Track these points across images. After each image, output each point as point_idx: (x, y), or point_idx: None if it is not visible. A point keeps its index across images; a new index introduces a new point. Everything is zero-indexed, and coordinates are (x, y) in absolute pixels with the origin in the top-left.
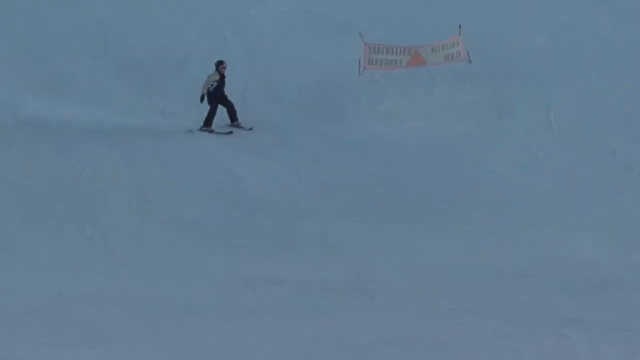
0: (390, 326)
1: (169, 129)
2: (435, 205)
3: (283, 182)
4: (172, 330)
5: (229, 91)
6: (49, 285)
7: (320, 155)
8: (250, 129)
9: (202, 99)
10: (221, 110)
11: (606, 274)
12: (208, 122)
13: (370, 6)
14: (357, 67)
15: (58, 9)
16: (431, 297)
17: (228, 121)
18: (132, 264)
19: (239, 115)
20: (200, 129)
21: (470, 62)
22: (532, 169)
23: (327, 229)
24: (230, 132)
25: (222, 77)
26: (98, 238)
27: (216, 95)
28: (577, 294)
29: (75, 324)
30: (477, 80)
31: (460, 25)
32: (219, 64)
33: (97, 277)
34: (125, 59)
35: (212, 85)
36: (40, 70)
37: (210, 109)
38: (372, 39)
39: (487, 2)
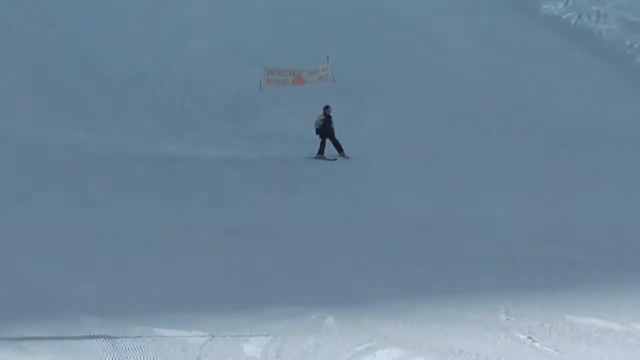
0: (273, 257)
1: (133, 132)
2: (309, 177)
3: (210, 163)
4: (129, 260)
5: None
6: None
7: (235, 145)
8: (348, 158)
9: (316, 132)
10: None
11: (423, 220)
12: (320, 151)
13: (271, 40)
14: (259, 84)
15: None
16: (302, 237)
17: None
18: (104, 213)
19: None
20: (315, 157)
21: (334, 81)
22: (378, 154)
23: (236, 191)
24: (335, 159)
25: (327, 117)
26: (81, 199)
27: (322, 131)
28: (405, 235)
29: (62, 253)
30: (340, 94)
31: (327, 57)
32: (326, 108)
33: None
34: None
35: (319, 123)
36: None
37: (321, 141)
38: (271, 63)
39: (348, 38)
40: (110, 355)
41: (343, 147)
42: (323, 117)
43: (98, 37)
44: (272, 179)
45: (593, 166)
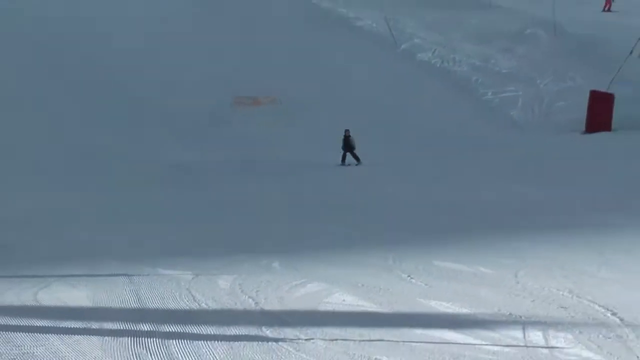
0: (238, 222)
1: (144, 137)
2: (266, 171)
3: (197, 158)
4: (141, 223)
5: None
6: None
7: (214, 145)
8: (360, 164)
9: (341, 148)
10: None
11: (345, 197)
12: (342, 160)
13: (238, 74)
14: (230, 103)
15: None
16: (259, 209)
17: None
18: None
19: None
20: (340, 165)
21: (281, 103)
22: (301, 147)
23: (216, 179)
24: (350, 165)
25: (346, 137)
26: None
27: (343, 147)
28: (331, 207)
29: (94, 218)
30: (283, 112)
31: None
32: (346, 131)
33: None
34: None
35: (343, 141)
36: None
37: (343, 153)
38: (238, 91)
39: (289, 74)
40: (128, 287)
41: (360, 158)
42: (343, 137)
43: (129, 69)
44: (241, 169)
45: (454, 159)
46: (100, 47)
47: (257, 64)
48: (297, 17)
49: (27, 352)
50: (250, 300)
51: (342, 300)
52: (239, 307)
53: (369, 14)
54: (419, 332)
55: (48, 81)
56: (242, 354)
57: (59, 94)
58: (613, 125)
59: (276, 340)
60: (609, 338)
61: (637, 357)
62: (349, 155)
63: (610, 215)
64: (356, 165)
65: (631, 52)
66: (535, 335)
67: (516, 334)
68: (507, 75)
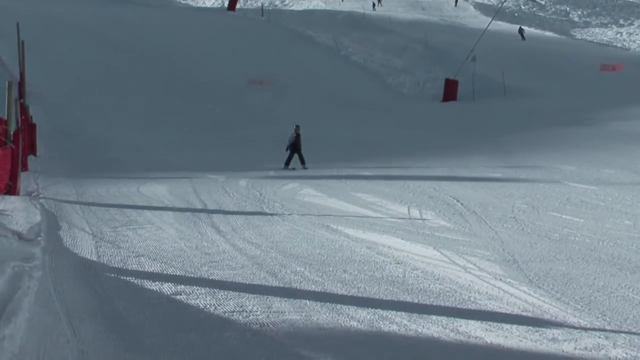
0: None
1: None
2: (249, 136)
3: (230, 112)
4: (196, 154)
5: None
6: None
7: (239, 105)
8: (307, 169)
9: (286, 149)
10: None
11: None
12: (287, 163)
13: (251, 65)
14: (247, 83)
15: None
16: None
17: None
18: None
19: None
20: (283, 168)
21: (275, 83)
22: (291, 118)
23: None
24: (294, 169)
25: (297, 135)
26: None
27: (291, 147)
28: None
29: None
30: (276, 90)
31: (272, 74)
32: (296, 127)
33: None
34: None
35: (291, 139)
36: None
37: (289, 155)
38: (251, 74)
39: (281, 62)
40: (189, 184)
41: (305, 161)
42: (294, 135)
43: (196, 66)
44: (253, 119)
45: (372, 116)
46: (178, 53)
47: (263, 62)
48: (284, 37)
49: (133, 219)
50: (257, 192)
51: (309, 192)
52: (251, 196)
53: (323, 34)
54: (351, 210)
55: (149, 72)
56: (253, 222)
57: (155, 79)
58: (458, 97)
59: (272, 214)
60: (455, 214)
61: (469, 223)
62: (295, 158)
63: (457, 143)
64: (303, 168)
65: (467, 58)
66: (414, 212)
67: (404, 211)
68: (400, 70)
